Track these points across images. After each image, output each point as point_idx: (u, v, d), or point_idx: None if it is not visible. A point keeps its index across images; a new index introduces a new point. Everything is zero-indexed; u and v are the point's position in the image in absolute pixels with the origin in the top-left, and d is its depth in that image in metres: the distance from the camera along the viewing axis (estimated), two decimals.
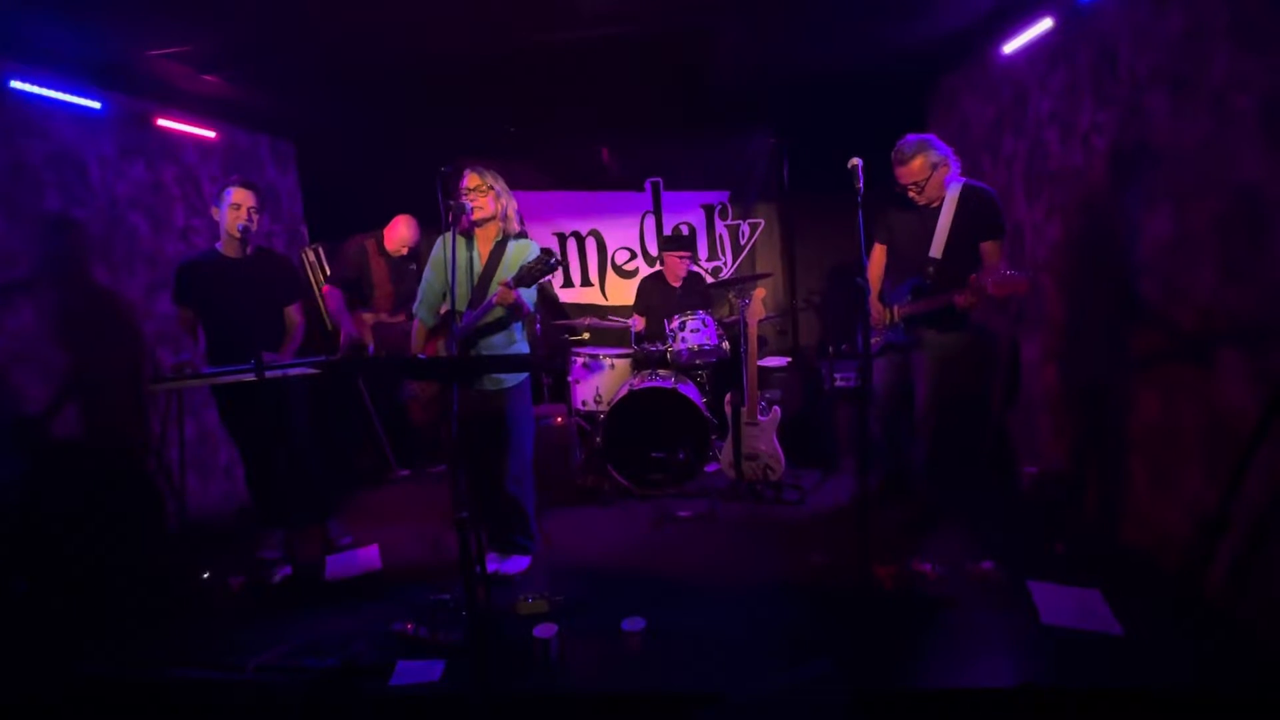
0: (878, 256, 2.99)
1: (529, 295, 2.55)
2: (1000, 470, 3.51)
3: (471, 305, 2.55)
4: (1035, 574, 2.36)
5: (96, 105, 3.17)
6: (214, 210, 2.85)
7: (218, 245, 2.87)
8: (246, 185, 2.82)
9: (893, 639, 2.09)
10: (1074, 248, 2.94)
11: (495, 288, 2.49)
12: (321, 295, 4.31)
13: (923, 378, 2.82)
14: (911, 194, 2.68)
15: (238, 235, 2.78)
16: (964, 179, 2.69)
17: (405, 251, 3.95)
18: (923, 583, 2.38)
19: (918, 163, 2.61)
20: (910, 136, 2.67)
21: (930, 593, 2.33)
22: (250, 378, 2.61)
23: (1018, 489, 3.24)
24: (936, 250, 2.68)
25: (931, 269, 2.70)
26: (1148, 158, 2.41)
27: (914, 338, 2.81)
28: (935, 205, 2.70)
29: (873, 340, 2.93)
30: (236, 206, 2.78)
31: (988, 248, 2.66)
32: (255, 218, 2.83)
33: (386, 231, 3.94)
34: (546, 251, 2.39)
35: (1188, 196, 2.23)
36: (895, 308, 2.82)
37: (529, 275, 2.40)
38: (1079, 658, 1.95)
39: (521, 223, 2.72)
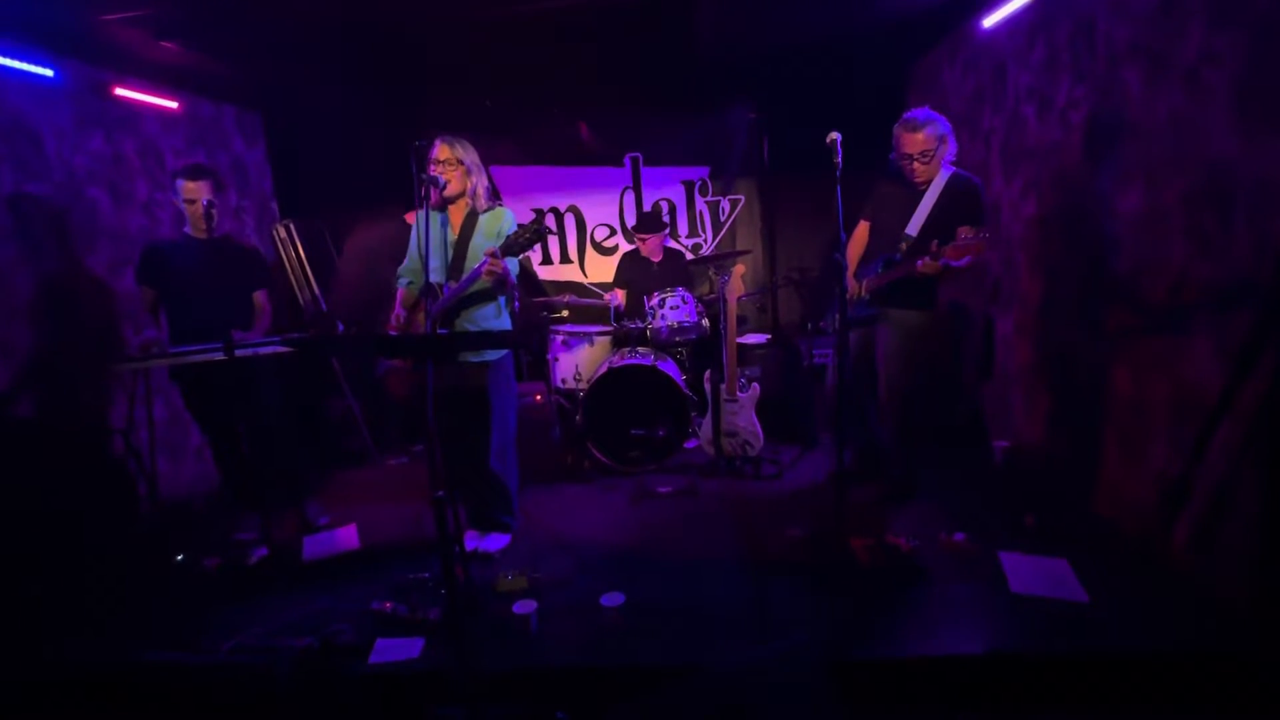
0: (860, 234, 2.97)
1: (511, 265, 2.50)
2: (973, 445, 3.57)
3: (450, 278, 2.51)
4: (1006, 545, 2.42)
5: (49, 73, 3.03)
6: (175, 201, 2.77)
7: (186, 229, 2.81)
8: (195, 176, 2.71)
9: (868, 610, 2.13)
10: (1049, 223, 2.96)
11: (472, 258, 2.44)
12: (311, 273, 4.21)
13: (884, 354, 2.81)
14: (918, 165, 2.63)
15: (204, 226, 2.70)
16: (954, 167, 2.68)
17: None
18: (897, 555, 2.42)
19: (925, 134, 2.58)
20: (920, 109, 2.64)
21: (905, 564, 2.38)
22: (219, 357, 2.55)
23: (990, 463, 3.30)
24: (914, 229, 2.68)
25: (904, 246, 2.70)
26: (1122, 133, 2.42)
27: (878, 312, 2.80)
28: (923, 187, 2.68)
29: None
30: (192, 201, 2.70)
31: (963, 231, 2.59)
32: (216, 203, 2.74)
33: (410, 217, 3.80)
34: (537, 218, 2.34)
35: (1160, 171, 2.25)
36: (864, 282, 2.82)
37: (516, 244, 2.33)
38: (1046, 624, 2.00)
39: (497, 196, 2.67)
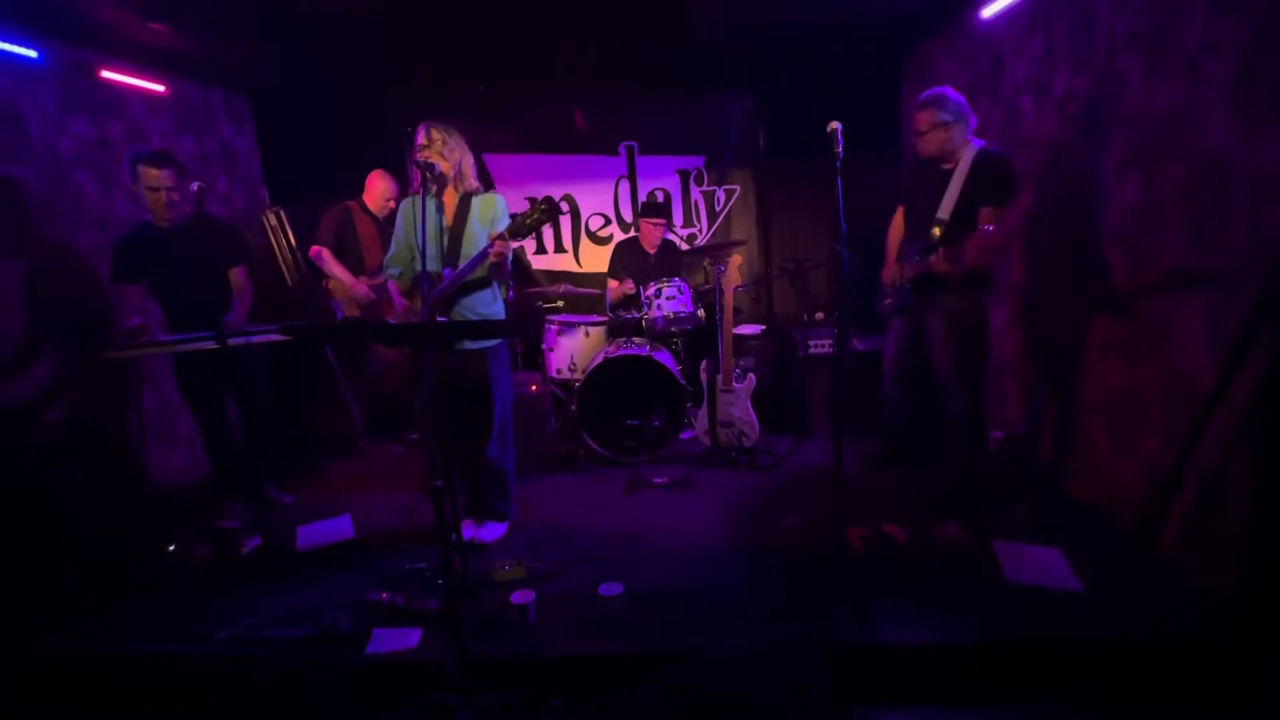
0: (899, 220, 2.97)
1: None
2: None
3: (446, 264, 2.47)
4: (999, 534, 2.44)
5: (33, 54, 2.95)
6: (132, 186, 2.64)
7: (148, 216, 2.72)
8: (159, 164, 2.60)
9: (864, 598, 2.14)
10: (1045, 215, 2.97)
11: (468, 243, 2.40)
12: (301, 259, 4.16)
13: (940, 339, 2.75)
14: (921, 140, 2.64)
15: (166, 218, 2.62)
16: (982, 142, 2.64)
17: (390, 208, 3.74)
18: (892, 544, 2.43)
19: (924, 115, 2.60)
20: (929, 90, 2.64)
21: (900, 554, 2.39)
22: (209, 345, 2.52)
23: (984, 453, 3.32)
24: (944, 212, 2.64)
25: (937, 230, 2.66)
26: (1120, 124, 2.43)
27: (924, 299, 2.75)
28: (949, 167, 2.65)
29: (886, 302, 2.95)
30: (154, 190, 2.60)
31: (984, 213, 2.56)
32: (178, 195, 2.67)
33: (366, 194, 3.77)
34: (546, 198, 2.28)
35: (1158, 163, 2.26)
36: (904, 267, 2.81)
37: (525, 225, 2.27)
38: (1040, 613, 2.02)
39: (491, 185, 2.64)
